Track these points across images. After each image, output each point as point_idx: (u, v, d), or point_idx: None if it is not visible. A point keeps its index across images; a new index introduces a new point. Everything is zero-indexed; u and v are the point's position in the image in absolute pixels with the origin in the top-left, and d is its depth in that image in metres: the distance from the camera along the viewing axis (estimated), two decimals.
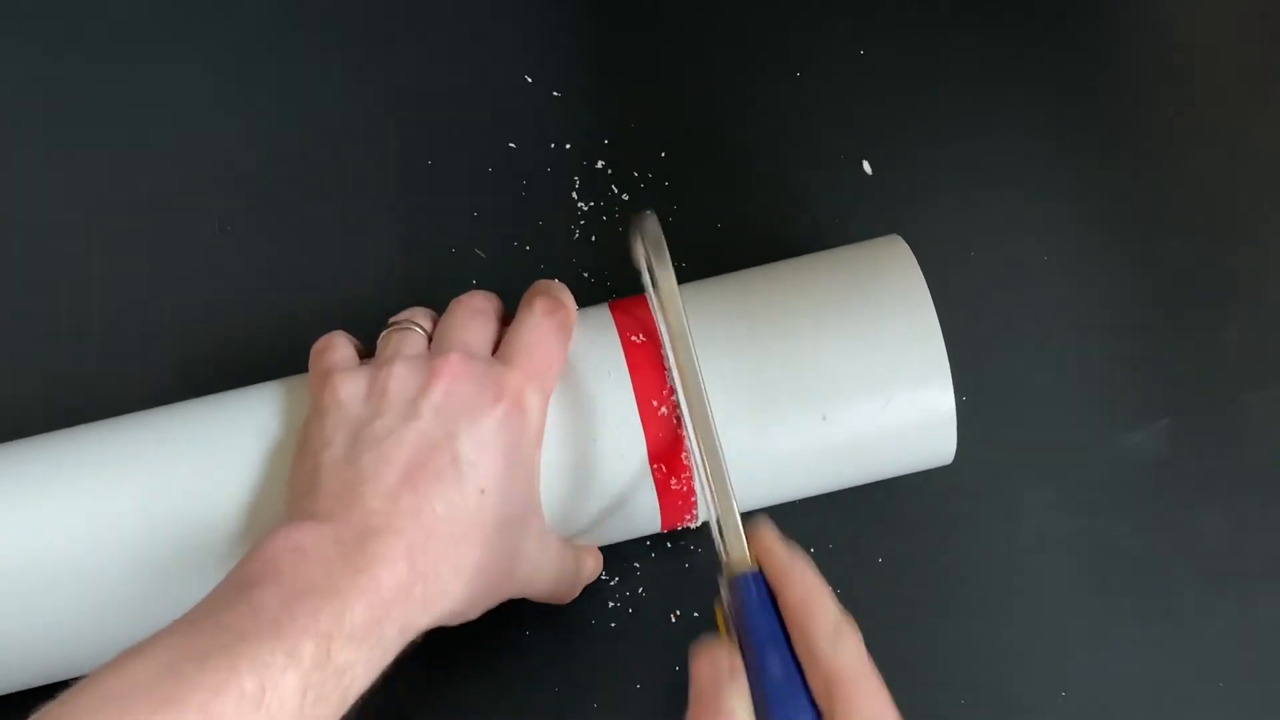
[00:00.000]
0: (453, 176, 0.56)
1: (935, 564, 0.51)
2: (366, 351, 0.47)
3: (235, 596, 0.36)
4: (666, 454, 0.44)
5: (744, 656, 0.37)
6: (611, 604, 0.50)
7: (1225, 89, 0.59)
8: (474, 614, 0.42)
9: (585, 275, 0.54)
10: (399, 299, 0.54)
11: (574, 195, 0.55)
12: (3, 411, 0.52)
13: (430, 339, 0.45)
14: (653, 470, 0.44)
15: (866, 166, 0.56)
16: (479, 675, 0.49)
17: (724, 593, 0.40)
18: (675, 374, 0.43)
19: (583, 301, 0.54)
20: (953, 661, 0.50)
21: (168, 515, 0.43)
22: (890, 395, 0.44)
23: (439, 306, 0.54)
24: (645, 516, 0.46)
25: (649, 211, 0.45)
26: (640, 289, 0.46)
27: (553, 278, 0.54)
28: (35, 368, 0.54)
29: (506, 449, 0.42)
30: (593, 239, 0.55)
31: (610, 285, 0.54)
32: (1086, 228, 0.56)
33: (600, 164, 0.56)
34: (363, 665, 0.37)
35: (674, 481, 0.45)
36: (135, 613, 0.43)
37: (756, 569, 0.39)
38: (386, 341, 0.44)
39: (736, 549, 0.40)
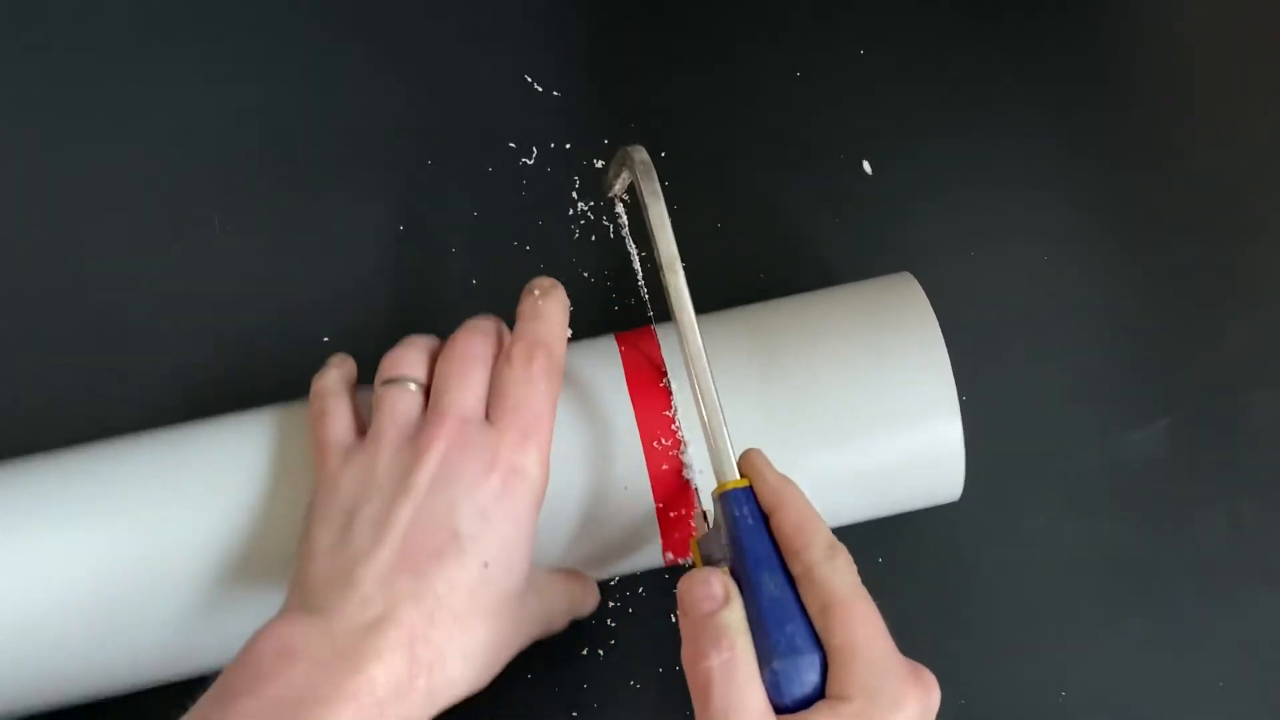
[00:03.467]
0: (453, 176, 0.56)
1: (935, 564, 0.51)
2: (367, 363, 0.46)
3: (224, 705, 0.36)
4: (671, 494, 0.44)
5: (736, 576, 0.37)
6: (611, 604, 0.50)
7: (1225, 89, 0.59)
8: (481, 686, 0.40)
9: (585, 275, 0.54)
10: (398, 299, 0.54)
11: (574, 195, 0.55)
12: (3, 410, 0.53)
13: (427, 389, 0.43)
14: (657, 511, 0.44)
15: (866, 166, 0.56)
16: None
17: (710, 514, 0.39)
18: (672, 302, 0.42)
19: (582, 301, 0.54)
20: (952, 661, 0.50)
21: (157, 554, 0.42)
22: (902, 471, 0.45)
23: (437, 307, 0.54)
24: (647, 554, 0.46)
25: (638, 146, 0.45)
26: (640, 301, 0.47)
27: (552, 278, 0.54)
28: (31, 367, 0.53)
29: (507, 517, 0.40)
30: (592, 239, 0.55)
31: (610, 285, 0.54)
32: (1086, 228, 0.56)
33: (600, 164, 0.56)
34: None
35: (676, 524, 0.45)
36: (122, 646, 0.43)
37: (747, 485, 0.39)
38: (380, 403, 0.42)
39: (726, 467, 0.39)
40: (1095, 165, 0.57)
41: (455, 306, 0.54)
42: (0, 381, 0.53)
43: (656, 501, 0.44)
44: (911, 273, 0.48)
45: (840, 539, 0.38)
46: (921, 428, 0.45)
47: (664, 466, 0.44)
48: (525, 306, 0.44)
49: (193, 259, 0.55)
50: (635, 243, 0.51)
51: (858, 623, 0.36)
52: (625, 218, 0.48)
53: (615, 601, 0.50)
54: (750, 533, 0.37)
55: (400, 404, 0.42)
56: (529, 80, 0.57)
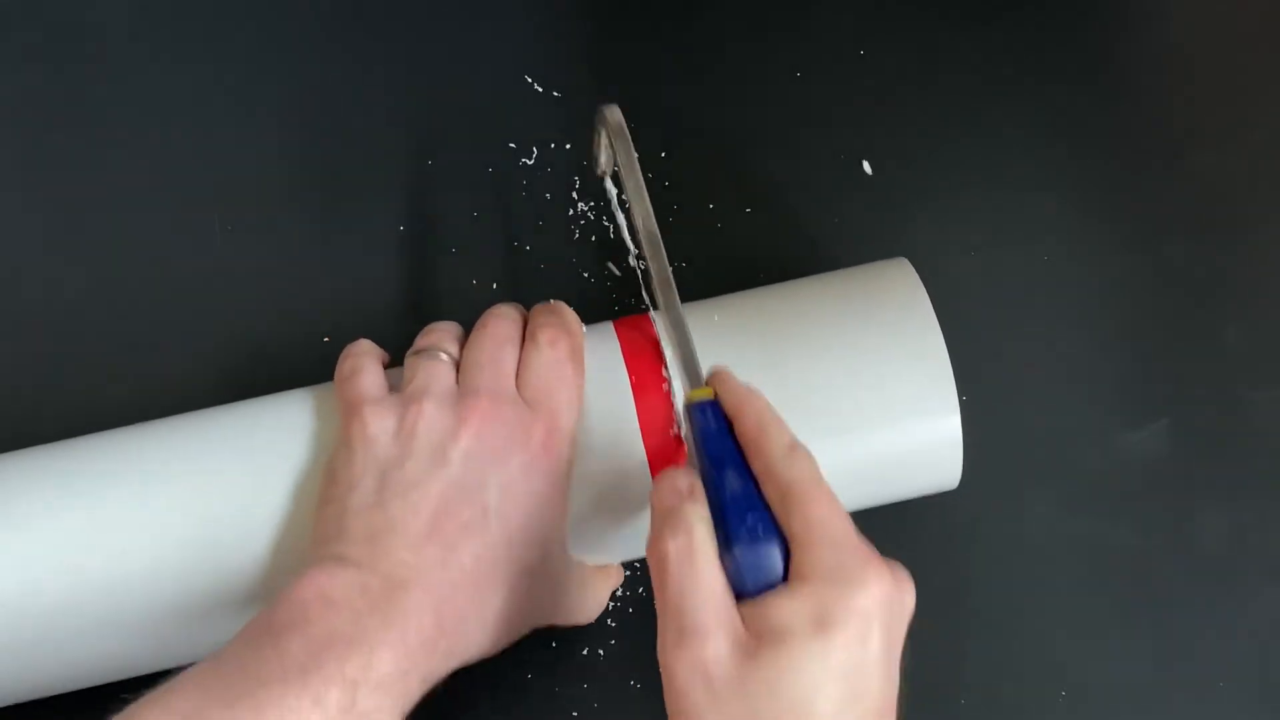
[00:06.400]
0: (453, 176, 0.56)
1: (935, 564, 0.51)
2: (392, 359, 0.46)
3: (262, 642, 0.37)
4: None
5: (703, 479, 0.38)
6: (611, 604, 0.50)
7: (1225, 89, 0.59)
8: (496, 651, 0.42)
9: (585, 275, 0.54)
10: (400, 299, 0.54)
11: (574, 195, 0.55)
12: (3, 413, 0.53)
13: (458, 364, 0.44)
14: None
15: (866, 166, 0.56)
16: (479, 674, 0.49)
17: (683, 427, 0.40)
18: (640, 236, 0.44)
19: (583, 301, 0.53)
20: (952, 661, 0.50)
21: (191, 533, 0.43)
22: (901, 456, 0.45)
23: (437, 307, 0.54)
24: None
25: (612, 105, 0.46)
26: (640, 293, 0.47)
27: (553, 278, 0.54)
28: (37, 370, 0.54)
29: (534, 495, 0.41)
30: (593, 239, 0.55)
31: (610, 285, 0.54)
32: (1087, 228, 0.56)
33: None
34: (385, 714, 0.37)
35: None
36: (154, 631, 0.43)
37: (713, 398, 0.39)
38: (414, 370, 0.43)
39: (694, 381, 0.40)
40: (1095, 165, 0.57)
41: (455, 306, 0.54)
42: None
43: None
44: None
45: None
46: (920, 418, 0.45)
47: (663, 456, 0.44)
48: (537, 306, 0.46)
49: (193, 260, 0.55)
50: (625, 214, 0.51)
51: (816, 508, 0.36)
52: (615, 192, 0.49)
53: (615, 602, 0.50)
54: (713, 435, 0.38)
55: (435, 369, 0.43)
56: (529, 80, 0.57)
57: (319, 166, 0.56)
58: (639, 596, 0.50)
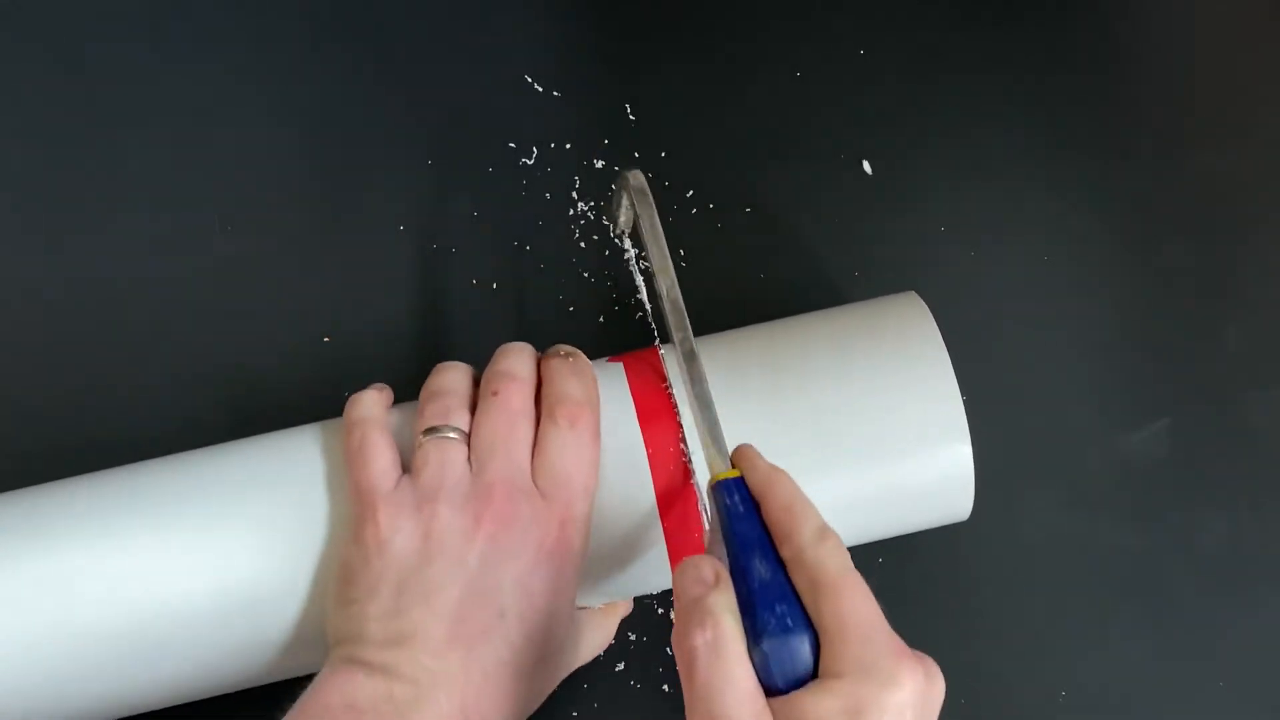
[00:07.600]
0: (453, 176, 0.56)
1: (935, 564, 0.51)
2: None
3: None
4: (679, 524, 0.44)
5: (729, 564, 0.37)
6: None
7: (1225, 89, 0.59)
8: None
9: (585, 275, 0.54)
10: (400, 300, 0.54)
11: (574, 195, 0.55)
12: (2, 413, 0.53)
13: (468, 437, 0.43)
14: (667, 541, 0.44)
15: (866, 166, 0.56)
16: None
17: (708, 505, 0.39)
18: (664, 305, 0.43)
19: (582, 301, 0.54)
20: (952, 661, 0.50)
21: (208, 591, 0.42)
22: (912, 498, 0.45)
23: (439, 306, 0.54)
24: (655, 578, 0.46)
25: (635, 170, 0.46)
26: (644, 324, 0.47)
27: (553, 278, 0.54)
28: (35, 370, 0.53)
29: (550, 588, 0.41)
30: (594, 238, 0.55)
31: (610, 285, 0.54)
32: (1086, 228, 0.56)
33: (600, 164, 0.56)
34: None
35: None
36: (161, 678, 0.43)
37: (739, 476, 0.39)
38: (426, 456, 0.42)
39: (719, 459, 0.39)
40: (1095, 165, 0.57)
41: (455, 306, 0.54)
42: None
43: (666, 532, 0.44)
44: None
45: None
46: (931, 456, 0.44)
47: (674, 503, 0.44)
48: (555, 364, 0.44)
49: (193, 259, 0.55)
50: (642, 272, 0.50)
51: (848, 600, 0.35)
52: (632, 251, 0.49)
53: None
54: (739, 519, 0.38)
55: (447, 455, 0.42)
56: (529, 80, 0.57)
57: (319, 166, 0.56)
58: (639, 596, 0.50)
